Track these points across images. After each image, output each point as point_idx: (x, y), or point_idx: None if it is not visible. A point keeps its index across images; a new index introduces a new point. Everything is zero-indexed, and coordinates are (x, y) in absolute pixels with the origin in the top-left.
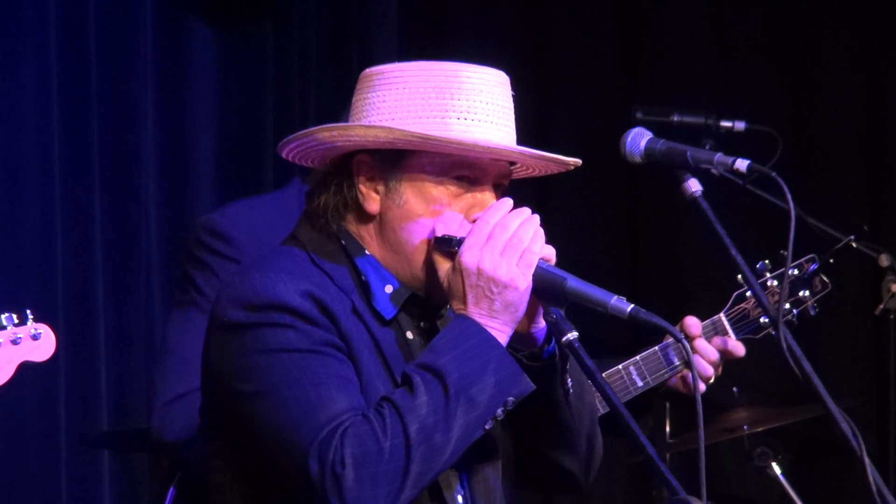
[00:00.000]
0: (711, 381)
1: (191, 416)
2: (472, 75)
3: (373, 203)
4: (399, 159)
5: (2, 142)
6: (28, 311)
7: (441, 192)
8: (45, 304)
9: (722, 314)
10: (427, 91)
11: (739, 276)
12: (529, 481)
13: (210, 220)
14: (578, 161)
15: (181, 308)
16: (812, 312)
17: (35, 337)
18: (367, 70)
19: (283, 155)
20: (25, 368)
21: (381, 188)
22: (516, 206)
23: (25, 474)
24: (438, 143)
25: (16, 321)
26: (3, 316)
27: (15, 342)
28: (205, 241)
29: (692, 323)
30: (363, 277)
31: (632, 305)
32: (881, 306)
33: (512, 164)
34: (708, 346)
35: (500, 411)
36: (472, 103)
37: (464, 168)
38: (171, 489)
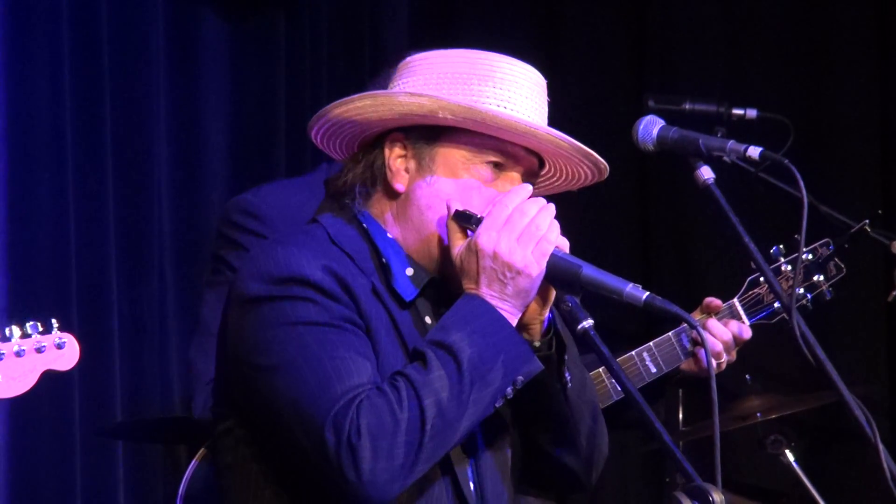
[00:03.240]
0: (724, 363)
1: None
2: (514, 68)
3: (401, 180)
4: (435, 137)
5: (15, 135)
6: (53, 321)
7: (472, 174)
8: (60, 296)
9: (735, 299)
10: (469, 76)
11: (753, 263)
12: (535, 481)
13: (242, 200)
14: (607, 168)
15: (216, 288)
16: (828, 297)
17: (59, 346)
18: (409, 57)
19: (312, 135)
20: None
21: (412, 166)
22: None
23: (40, 465)
24: (482, 116)
25: (40, 329)
26: (28, 324)
27: (39, 350)
28: (237, 221)
29: (713, 300)
30: (383, 259)
31: (647, 293)
32: (894, 293)
33: (541, 167)
34: (720, 325)
35: (509, 390)
36: (513, 94)
37: (498, 153)
38: (192, 462)
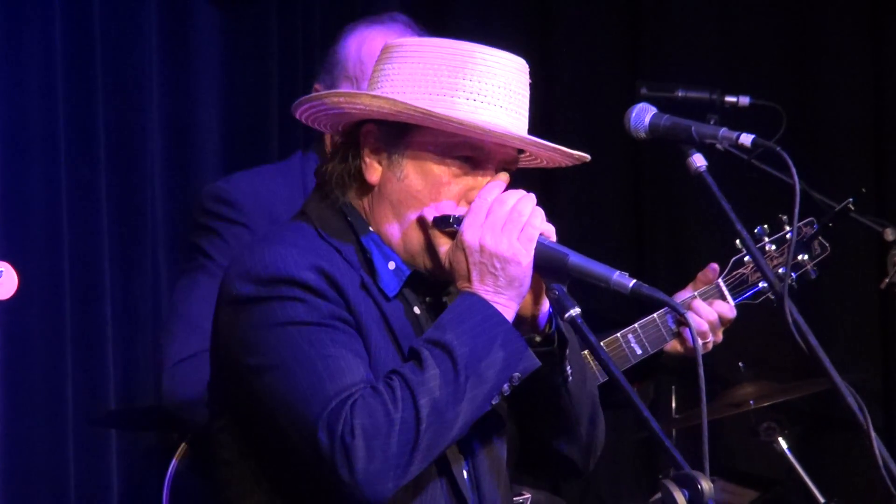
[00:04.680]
0: (710, 343)
1: (199, 378)
2: (489, 57)
3: (374, 173)
4: (404, 133)
5: (7, 121)
6: None
7: (442, 170)
8: (52, 284)
9: (720, 279)
10: (440, 68)
11: (738, 241)
12: (532, 467)
13: (214, 187)
14: (587, 156)
15: (188, 274)
16: (812, 276)
17: None
18: (389, 41)
19: (297, 115)
20: (32, 349)
21: (384, 160)
22: (523, 184)
23: (33, 453)
24: (440, 120)
25: None
26: None
27: None
28: (210, 209)
29: (712, 268)
30: (367, 255)
31: (634, 281)
32: (887, 280)
33: (520, 151)
34: (705, 305)
35: (506, 387)
36: (484, 85)
37: (467, 149)
38: (172, 462)
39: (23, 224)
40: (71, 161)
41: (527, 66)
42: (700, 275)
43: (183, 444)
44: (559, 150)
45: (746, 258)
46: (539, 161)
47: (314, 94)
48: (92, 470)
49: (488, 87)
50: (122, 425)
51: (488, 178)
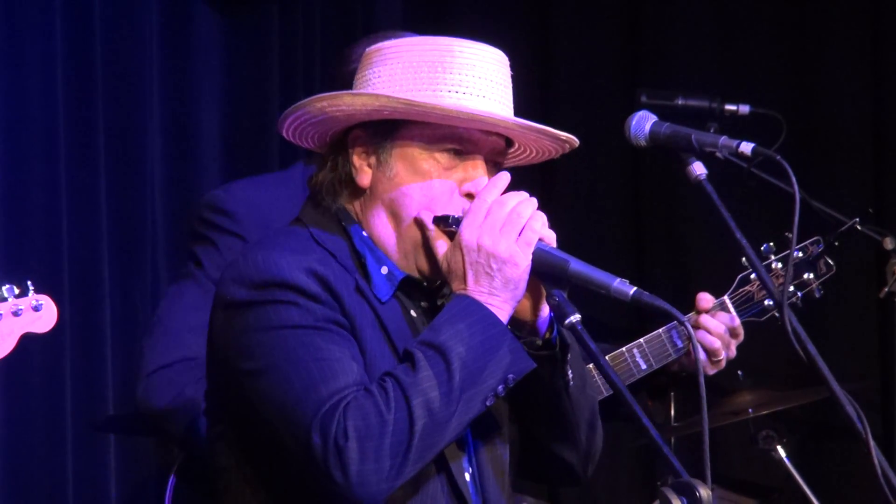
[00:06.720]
0: (722, 360)
1: (176, 387)
2: (466, 50)
3: (364, 176)
4: (391, 131)
5: (7, 124)
6: (29, 283)
7: (431, 164)
8: (52, 288)
9: (726, 297)
10: (420, 65)
11: (744, 259)
12: (530, 472)
13: (212, 196)
14: (574, 139)
15: (178, 281)
16: (817, 295)
17: (36, 308)
18: (369, 48)
19: (283, 134)
20: (31, 354)
21: (372, 161)
22: (522, 190)
23: (32, 458)
24: (424, 109)
25: (16, 293)
26: (3, 288)
27: (16, 314)
28: (206, 218)
29: (704, 297)
30: (361, 259)
31: (634, 288)
32: (886, 289)
33: (509, 145)
34: (712, 319)
35: (500, 388)
36: (465, 77)
37: (454, 140)
38: (171, 477)
39: (22, 227)
40: (71, 164)
41: (505, 56)
42: (696, 300)
43: (177, 463)
44: (548, 132)
45: (752, 276)
46: (529, 154)
47: (294, 105)
48: (90, 474)
49: (470, 79)
50: (121, 430)
51: (479, 169)
